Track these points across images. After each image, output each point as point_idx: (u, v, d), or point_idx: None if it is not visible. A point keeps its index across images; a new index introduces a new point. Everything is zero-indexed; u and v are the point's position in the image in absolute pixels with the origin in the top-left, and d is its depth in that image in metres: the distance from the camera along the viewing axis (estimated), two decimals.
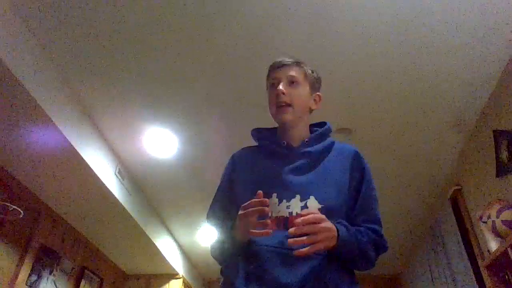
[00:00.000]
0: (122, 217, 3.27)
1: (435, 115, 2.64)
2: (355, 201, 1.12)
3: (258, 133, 1.25)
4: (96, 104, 2.61)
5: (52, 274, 3.14)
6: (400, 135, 2.83)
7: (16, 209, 2.55)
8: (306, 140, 1.17)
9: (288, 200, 1.05)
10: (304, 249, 0.92)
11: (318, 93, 1.26)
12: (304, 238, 0.91)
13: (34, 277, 2.91)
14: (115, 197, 3.00)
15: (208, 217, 1.20)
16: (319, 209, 1.02)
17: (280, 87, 1.16)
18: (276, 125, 1.23)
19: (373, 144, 2.92)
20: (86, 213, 3.21)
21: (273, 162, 1.14)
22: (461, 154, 2.97)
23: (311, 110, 1.24)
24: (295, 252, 0.92)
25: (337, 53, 2.24)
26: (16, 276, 2.73)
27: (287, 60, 1.22)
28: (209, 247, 1.17)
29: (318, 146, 1.16)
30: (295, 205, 1.04)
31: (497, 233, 2.13)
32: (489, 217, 2.16)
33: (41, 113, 2.19)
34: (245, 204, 0.97)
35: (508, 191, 2.29)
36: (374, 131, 2.80)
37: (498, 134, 2.36)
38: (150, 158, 3.09)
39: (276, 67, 1.22)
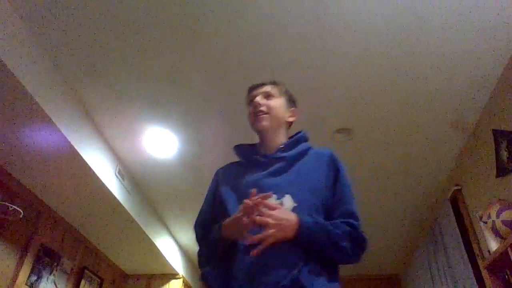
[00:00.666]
0: (122, 217, 3.27)
1: (435, 115, 2.64)
2: (331, 199, 1.18)
3: (239, 149, 1.35)
4: (96, 104, 2.61)
5: (52, 274, 3.14)
6: (400, 135, 2.83)
7: (16, 209, 2.55)
8: (281, 146, 1.26)
9: None
10: (257, 248, 0.99)
11: (293, 108, 1.37)
12: (259, 235, 1.00)
13: (34, 277, 2.91)
14: (115, 197, 3.00)
15: (195, 226, 1.28)
16: (294, 207, 1.08)
17: (257, 99, 1.29)
18: (257, 141, 1.34)
19: (373, 144, 2.92)
20: (86, 213, 3.20)
21: (252, 170, 1.23)
22: (461, 154, 2.97)
23: (289, 124, 1.35)
24: (251, 253, 0.99)
25: (337, 53, 2.24)
26: (16, 276, 2.73)
27: (263, 82, 1.36)
28: (196, 257, 1.25)
29: (293, 151, 1.24)
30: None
31: (497, 233, 2.13)
32: (489, 217, 2.16)
33: (41, 113, 2.19)
34: (245, 204, 1.04)
35: (508, 191, 2.29)
36: (374, 131, 2.80)
37: (498, 134, 2.36)
38: (150, 158, 3.09)
39: (253, 88, 1.36)
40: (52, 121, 2.25)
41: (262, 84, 1.35)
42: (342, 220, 1.12)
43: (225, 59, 2.29)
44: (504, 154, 2.29)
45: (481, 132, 2.61)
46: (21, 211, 2.58)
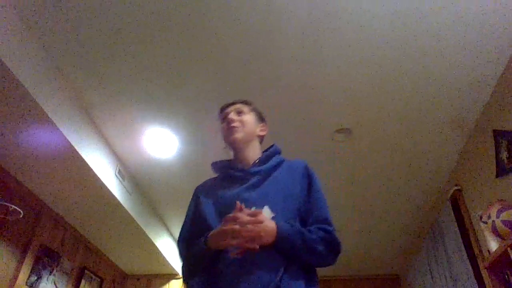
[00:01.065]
0: (122, 217, 3.27)
1: (435, 115, 2.64)
2: (305, 206, 1.24)
3: (216, 165, 1.41)
4: (96, 104, 2.61)
5: (52, 274, 3.14)
6: (400, 135, 2.83)
7: (16, 209, 2.55)
8: (256, 161, 1.33)
9: None
10: (237, 250, 1.06)
11: (263, 123, 1.45)
12: (237, 226, 1.07)
13: (34, 277, 2.91)
14: (115, 197, 3.00)
15: (179, 242, 1.31)
16: (272, 218, 1.13)
17: (230, 116, 1.37)
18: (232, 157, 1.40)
19: (373, 144, 2.92)
20: (86, 213, 3.21)
21: (230, 185, 1.29)
22: (461, 154, 2.97)
23: (261, 138, 1.43)
24: (231, 254, 1.06)
25: (336, 54, 2.24)
26: (16, 276, 2.73)
27: (232, 101, 1.43)
28: (181, 270, 1.29)
29: (268, 164, 1.31)
30: None
31: (497, 233, 2.13)
32: (489, 217, 2.16)
33: (41, 113, 2.19)
34: (229, 217, 1.11)
35: (508, 191, 2.29)
36: (374, 131, 2.80)
37: (498, 134, 2.36)
38: (150, 158, 3.09)
39: (225, 107, 1.43)
40: (52, 121, 2.25)
41: (233, 103, 1.42)
42: (317, 226, 1.18)
43: (225, 59, 2.29)
44: (504, 154, 2.29)
45: (481, 132, 2.61)
46: (21, 211, 2.58)
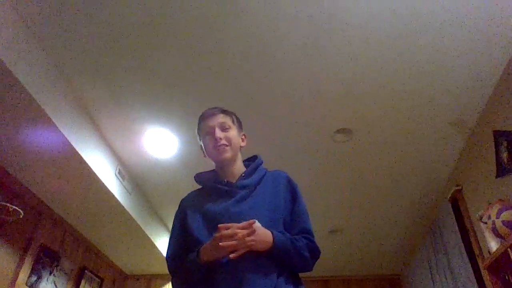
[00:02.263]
0: (122, 217, 3.27)
1: (435, 115, 2.64)
2: (290, 217, 1.30)
3: (200, 177, 1.43)
4: (96, 104, 2.61)
5: (52, 274, 3.14)
6: (400, 135, 2.83)
7: (16, 209, 2.55)
8: (242, 174, 1.36)
9: None
10: (236, 253, 1.10)
11: (243, 132, 1.47)
12: (235, 242, 1.10)
13: (34, 277, 2.91)
14: (115, 198, 3.00)
15: (168, 258, 1.33)
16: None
17: (217, 134, 1.35)
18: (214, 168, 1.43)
19: (373, 144, 2.92)
20: (86, 213, 3.21)
21: (217, 198, 1.30)
22: (461, 154, 2.97)
23: (241, 148, 1.44)
24: (230, 256, 1.09)
25: (337, 54, 2.24)
26: (16, 276, 2.74)
27: (215, 110, 1.43)
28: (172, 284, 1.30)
29: (254, 178, 1.34)
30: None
31: (497, 233, 2.13)
32: (489, 217, 2.16)
33: (41, 113, 2.19)
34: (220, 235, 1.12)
35: (508, 191, 2.29)
36: (374, 131, 2.80)
37: (498, 134, 2.36)
38: (150, 158, 3.09)
39: (206, 117, 1.41)
40: (52, 121, 2.25)
41: (213, 113, 1.41)
42: (301, 236, 1.26)
43: (226, 60, 2.29)
44: (504, 154, 2.29)
45: (481, 132, 2.61)
46: (21, 211, 2.58)
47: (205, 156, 1.42)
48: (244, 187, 1.31)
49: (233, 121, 1.43)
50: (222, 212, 1.24)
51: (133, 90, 2.50)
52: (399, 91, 2.47)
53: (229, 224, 1.13)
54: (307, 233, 1.29)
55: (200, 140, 1.44)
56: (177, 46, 2.21)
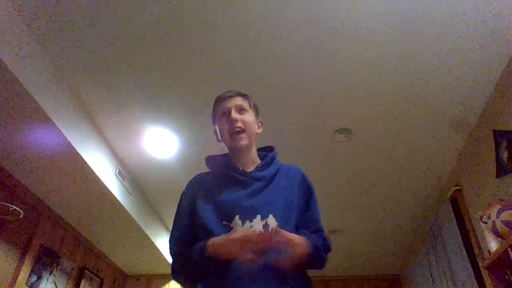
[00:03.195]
0: (122, 217, 3.27)
1: (435, 115, 2.64)
2: (303, 215, 1.26)
3: (212, 160, 1.36)
4: (96, 104, 2.61)
5: (52, 274, 3.14)
6: (400, 135, 2.83)
7: (16, 209, 2.55)
8: (259, 165, 1.30)
9: (251, 220, 1.15)
10: (283, 263, 1.05)
11: (259, 119, 1.40)
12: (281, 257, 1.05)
13: (34, 277, 2.91)
14: (115, 198, 3.00)
15: (170, 241, 1.25)
16: (277, 226, 1.13)
17: (233, 115, 1.28)
18: (226, 151, 1.36)
19: (373, 144, 2.92)
20: (86, 213, 3.21)
21: (231, 187, 1.24)
22: (461, 154, 2.97)
23: (256, 135, 1.37)
24: (251, 257, 1.03)
25: (336, 53, 2.24)
26: (16, 276, 2.74)
27: (232, 92, 1.36)
28: (171, 271, 1.22)
29: (270, 170, 1.29)
30: (257, 224, 1.14)
31: (497, 233, 2.13)
32: (489, 217, 2.16)
33: (41, 113, 2.19)
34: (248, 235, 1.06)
35: (508, 191, 2.29)
36: (374, 131, 2.80)
37: (498, 134, 2.36)
38: (150, 158, 3.09)
39: (223, 99, 1.35)
40: (52, 121, 2.25)
41: (231, 96, 1.34)
42: (317, 234, 1.24)
43: (225, 60, 2.29)
44: (504, 154, 2.29)
45: (481, 132, 2.61)
46: (21, 211, 2.58)
47: (218, 140, 1.35)
48: (259, 178, 1.25)
49: (250, 105, 1.36)
50: (235, 202, 1.18)
51: (133, 90, 2.50)
52: (399, 91, 2.47)
53: (253, 236, 1.05)
54: (322, 231, 1.28)
55: (214, 123, 1.37)
56: (177, 46, 2.21)
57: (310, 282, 1.20)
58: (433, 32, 2.09)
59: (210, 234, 1.13)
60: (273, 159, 1.34)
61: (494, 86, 2.40)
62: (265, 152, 1.38)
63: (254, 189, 1.22)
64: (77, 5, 1.98)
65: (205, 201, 1.23)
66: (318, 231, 1.26)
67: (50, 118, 2.23)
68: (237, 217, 1.15)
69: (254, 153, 1.34)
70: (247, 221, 1.14)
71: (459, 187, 3.00)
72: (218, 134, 1.34)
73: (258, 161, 1.33)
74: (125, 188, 3.16)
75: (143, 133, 2.85)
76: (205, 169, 1.44)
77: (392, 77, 2.37)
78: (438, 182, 3.33)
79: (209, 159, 1.37)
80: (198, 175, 1.37)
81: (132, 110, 2.66)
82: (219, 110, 1.34)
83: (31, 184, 2.79)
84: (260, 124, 1.39)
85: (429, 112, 2.62)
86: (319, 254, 1.15)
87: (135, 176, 3.33)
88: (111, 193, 2.93)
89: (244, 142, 1.28)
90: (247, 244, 1.04)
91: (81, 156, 2.53)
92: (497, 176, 2.38)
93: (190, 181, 1.36)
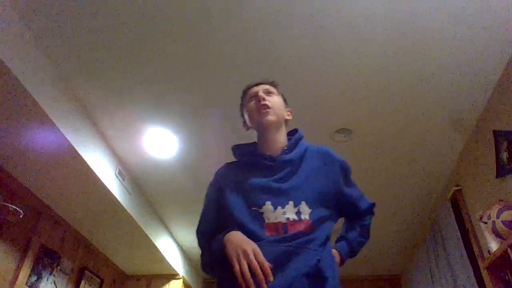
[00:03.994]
0: (122, 217, 3.27)
1: (435, 115, 2.64)
2: (342, 197, 1.26)
3: (239, 148, 1.33)
4: (96, 104, 2.61)
5: (52, 274, 3.14)
6: (400, 135, 2.83)
7: (16, 209, 2.55)
8: (285, 148, 1.26)
9: (283, 207, 1.12)
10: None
11: (288, 109, 1.40)
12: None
13: (34, 278, 2.91)
14: (116, 198, 3.00)
15: (198, 232, 1.24)
16: (310, 213, 1.11)
17: (260, 93, 1.28)
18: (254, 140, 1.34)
19: (373, 144, 2.92)
20: (86, 213, 3.20)
21: (259, 173, 1.21)
22: (461, 154, 2.97)
23: (286, 121, 1.36)
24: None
25: (337, 54, 2.24)
26: (16, 276, 2.73)
27: (264, 80, 1.38)
28: (200, 261, 1.21)
29: (296, 152, 1.25)
30: (290, 211, 1.11)
31: (497, 234, 2.13)
32: (489, 217, 2.16)
33: (41, 113, 2.19)
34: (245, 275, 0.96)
35: (508, 191, 2.29)
36: (374, 131, 2.80)
37: (498, 134, 2.36)
38: (151, 159, 3.09)
39: (250, 86, 1.36)
40: (52, 121, 2.25)
41: (259, 83, 1.36)
42: (358, 223, 1.35)
43: (225, 59, 2.29)
44: (504, 154, 2.29)
45: (481, 132, 2.61)
46: (21, 211, 2.58)
47: (247, 129, 1.35)
48: (287, 162, 1.21)
49: (278, 92, 1.37)
50: (264, 188, 1.15)
51: (133, 90, 2.50)
52: (399, 91, 2.47)
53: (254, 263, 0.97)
54: (366, 213, 1.37)
55: (244, 113, 1.36)
56: (177, 46, 2.21)
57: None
58: (434, 32, 2.09)
59: (238, 223, 1.10)
60: (297, 140, 1.31)
61: (494, 86, 2.40)
62: (291, 136, 1.35)
63: (284, 174, 1.19)
64: (78, 5, 1.98)
65: (233, 190, 1.20)
66: (360, 214, 1.35)
67: (50, 118, 2.23)
68: (268, 202, 1.13)
69: (282, 137, 1.30)
70: (279, 207, 1.12)
71: (459, 187, 3.00)
72: (247, 120, 1.33)
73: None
74: (125, 188, 3.16)
75: (143, 133, 2.85)
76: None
77: (392, 77, 2.37)
78: (438, 182, 3.33)
79: (236, 148, 1.34)
80: (225, 164, 1.34)
81: (132, 110, 2.66)
82: (247, 98, 1.34)
83: (31, 184, 2.79)
84: (289, 112, 1.38)
85: (429, 112, 2.62)
86: (351, 255, 1.27)
87: (135, 176, 3.33)
88: (111, 193, 2.93)
89: (271, 117, 1.26)
90: (245, 261, 0.97)
91: (81, 156, 2.53)
92: (497, 176, 2.38)
93: (217, 171, 1.33)
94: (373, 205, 1.44)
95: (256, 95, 1.30)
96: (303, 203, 1.12)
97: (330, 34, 2.13)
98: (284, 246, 1.04)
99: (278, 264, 1.00)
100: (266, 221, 1.10)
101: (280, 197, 1.13)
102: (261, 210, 1.12)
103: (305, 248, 1.05)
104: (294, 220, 1.09)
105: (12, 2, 1.96)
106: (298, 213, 1.11)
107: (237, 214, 1.13)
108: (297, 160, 1.23)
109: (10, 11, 1.97)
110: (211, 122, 2.75)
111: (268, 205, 1.12)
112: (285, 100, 1.40)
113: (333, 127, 2.76)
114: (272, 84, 1.37)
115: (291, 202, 1.11)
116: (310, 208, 1.12)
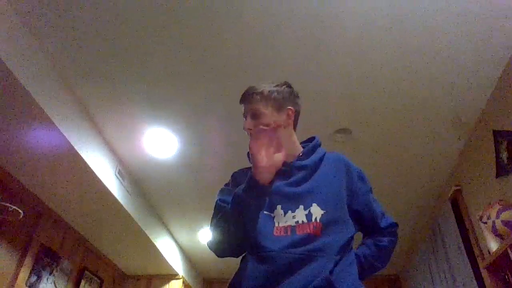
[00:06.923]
0: (122, 217, 3.27)
1: (435, 115, 2.64)
2: (360, 207, 1.24)
3: None
4: (96, 104, 2.61)
5: (52, 274, 3.14)
6: (400, 135, 2.83)
7: (16, 209, 2.55)
8: (300, 154, 1.27)
9: (293, 211, 1.12)
10: None
11: (288, 107, 1.33)
12: None
13: (34, 278, 2.91)
14: (115, 198, 3.00)
15: (219, 200, 1.23)
16: (322, 215, 1.10)
17: (245, 125, 1.28)
18: None
19: (373, 144, 2.92)
20: (86, 213, 3.20)
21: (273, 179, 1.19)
22: (461, 154, 2.97)
23: (287, 122, 1.32)
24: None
25: (337, 53, 2.24)
26: (16, 276, 2.73)
27: (248, 93, 1.33)
28: (208, 242, 1.22)
29: (312, 158, 1.25)
30: (300, 214, 1.11)
31: (497, 233, 2.13)
32: (489, 217, 2.16)
33: (41, 113, 2.19)
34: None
35: (508, 191, 2.29)
36: (374, 131, 2.80)
37: (498, 134, 2.36)
38: (150, 158, 3.09)
39: (241, 101, 1.35)
40: (52, 121, 2.25)
41: (247, 99, 1.32)
42: (373, 239, 1.29)
43: (225, 59, 2.29)
44: (504, 154, 2.29)
45: (481, 132, 2.61)
46: (21, 212, 2.58)
47: None
48: (301, 168, 1.21)
49: (266, 104, 1.29)
50: (277, 192, 1.15)
51: (133, 90, 2.50)
52: (398, 91, 2.47)
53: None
54: (380, 231, 1.29)
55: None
56: (177, 46, 2.21)
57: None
58: (433, 32, 2.09)
59: (256, 231, 1.10)
60: (315, 147, 1.31)
61: (494, 86, 2.40)
62: (308, 143, 1.36)
63: (296, 178, 1.19)
64: (78, 6, 1.98)
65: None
66: (375, 230, 1.28)
67: (50, 118, 2.23)
68: (279, 207, 1.13)
69: (292, 146, 1.29)
70: (289, 211, 1.12)
71: (459, 187, 3.00)
72: None
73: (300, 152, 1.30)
74: (125, 188, 3.16)
75: (143, 133, 2.85)
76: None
77: (392, 77, 2.37)
78: (438, 182, 3.33)
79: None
80: (240, 169, 1.34)
81: (132, 110, 2.66)
82: (243, 110, 1.35)
83: (31, 184, 2.79)
84: (290, 112, 1.33)
85: (429, 112, 2.62)
86: (369, 273, 1.22)
87: (135, 176, 3.33)
88: (111, 193, 2.93)
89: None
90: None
91: (81, 156, 2.53)
92: (497, 176, 2.38)
93: (233, 173, 1.34)
94: (394, 224, 1.33)
95: (245, 119, 1.30)
96: (314, 205, 1.12)
97: (330, 34, 2.13)
98: (297, 255, 1.02)
99: (287, 273, 1.00)
100: (276, 224, 1.10)
101: (291, 201, 1.13)
102: (273, 215, 1.13)
103: (316, 256, 1.03)
104: (303, 223, 1.09)
105: (13, 4, 1.96)
106: (309, 215, 1.11)
107: (249, 216, 1.13)
108: (313, 165, 1.23)
109: (10, 12, 1.97)
110: (211, 122, 2.75)
111: (279, 209, 1.13)
112: (277, 102, 1.32)
113: (333, 127, 2.76)
114: (260, 94, 1.30)
115: (301, 206, 1.12)
116: (322, 210, 1.11)
